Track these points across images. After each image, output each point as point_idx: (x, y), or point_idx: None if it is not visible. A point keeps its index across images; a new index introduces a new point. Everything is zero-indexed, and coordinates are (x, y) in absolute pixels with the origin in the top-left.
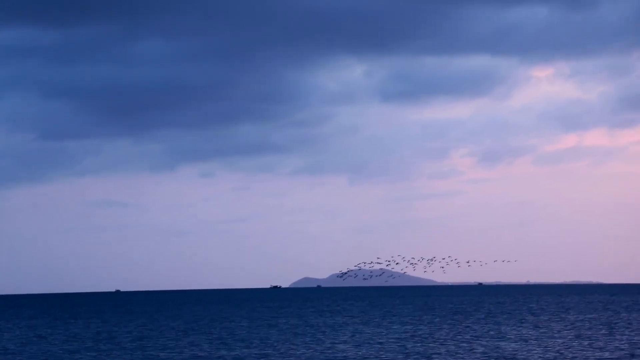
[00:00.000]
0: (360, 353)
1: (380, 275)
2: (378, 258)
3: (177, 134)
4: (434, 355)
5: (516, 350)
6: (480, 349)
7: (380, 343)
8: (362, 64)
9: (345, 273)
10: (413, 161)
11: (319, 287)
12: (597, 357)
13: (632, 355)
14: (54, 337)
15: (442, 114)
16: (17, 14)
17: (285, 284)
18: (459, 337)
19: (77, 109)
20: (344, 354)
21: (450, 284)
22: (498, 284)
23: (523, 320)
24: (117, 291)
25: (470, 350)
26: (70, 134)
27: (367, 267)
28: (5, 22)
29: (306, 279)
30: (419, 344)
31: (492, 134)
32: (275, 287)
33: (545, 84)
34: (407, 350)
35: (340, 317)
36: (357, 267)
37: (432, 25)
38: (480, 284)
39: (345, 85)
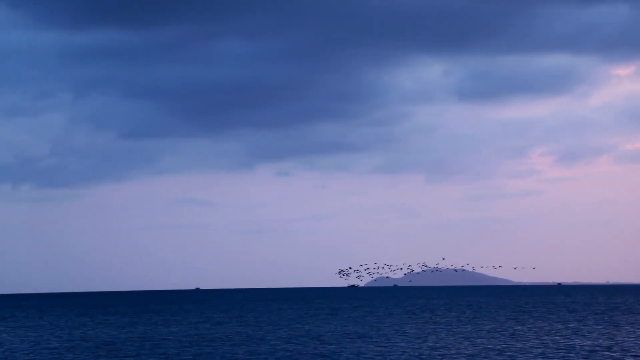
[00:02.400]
0: (460, 350)
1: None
2: (365, 264)
3: (255, 133)
4: (528, 354)
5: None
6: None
7: (472, 341)
8: (441, 63)
9: (341, 272)
10: (491, 160)
11: (395, 286)
12: None
13: None
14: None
15: (521, 113)
16: (99, 16)
17: (361, 282)
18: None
19: (157, 109)
20: (445, 351)
21: (527, 283)
22: (577, 284)
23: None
24: (197, 289)
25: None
26: (151, 133)
27: (363, 269)
28: (88, 24)
29: (381, 279)
30: (513, 342)
31: (572, 132)
32: (353, 286)
33: (626, 83)
34: (501, 347)
35: (432, 315)
36: (356, 269)
37: (512, 23)
38: (559, 284)
39: (423, 84)
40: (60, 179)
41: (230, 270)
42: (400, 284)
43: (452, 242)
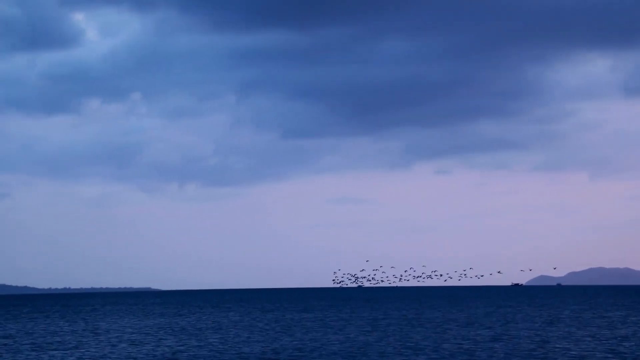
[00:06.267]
0: None
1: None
2: (392, 267)
3: (415, 131)
4: None
5: None
6: None
7: None
8: (606, 59)
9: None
10: None
11: (558, 285)
12: None
13: None
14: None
15: None
16: (263, 18)
17: (522, 281)
18: None
19: (318, 109)
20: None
21: None
22: None
23: None
24: (359, 287)
25: None
26: (311, 133)
27: (368, 274)
28: (251, 26)
29: (543, 277)
30: None
31: None
32: (516, 284)
33: None
34: None
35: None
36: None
37: None
38: None
39: (588, 80)
40: (224, 178)
41: (388, 268)
42: (563, 283)
43: (614, 242)
